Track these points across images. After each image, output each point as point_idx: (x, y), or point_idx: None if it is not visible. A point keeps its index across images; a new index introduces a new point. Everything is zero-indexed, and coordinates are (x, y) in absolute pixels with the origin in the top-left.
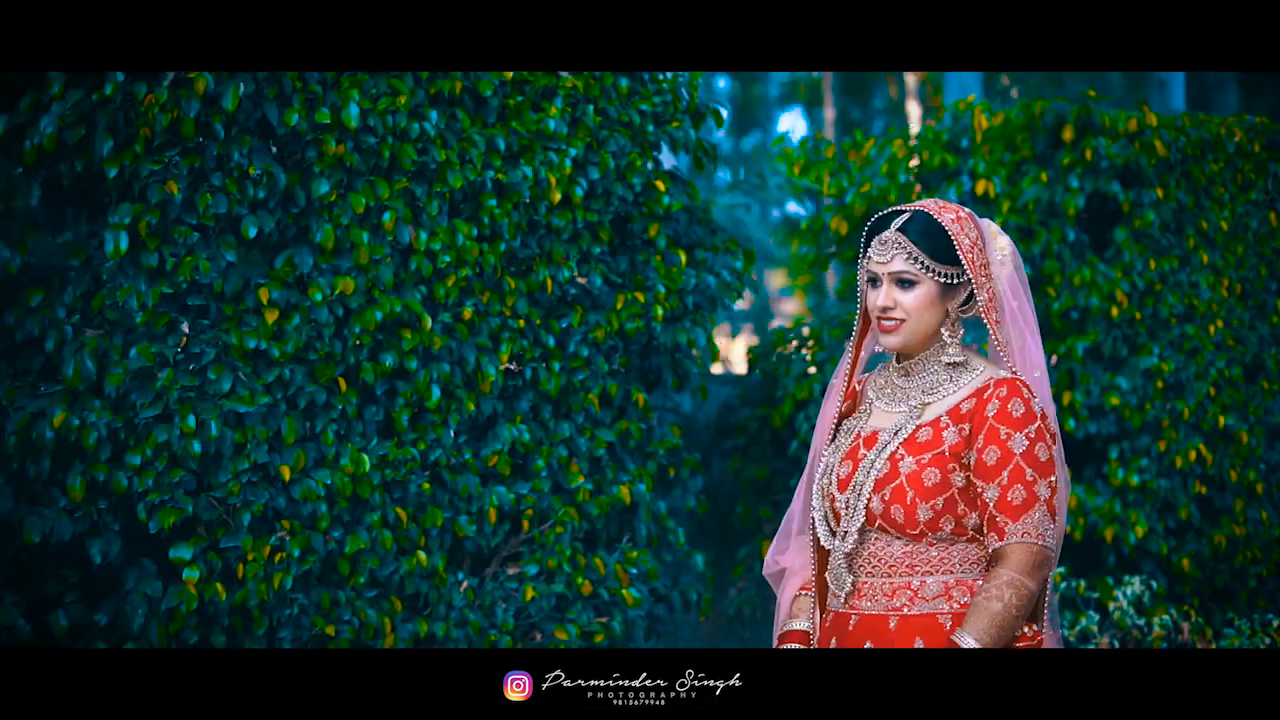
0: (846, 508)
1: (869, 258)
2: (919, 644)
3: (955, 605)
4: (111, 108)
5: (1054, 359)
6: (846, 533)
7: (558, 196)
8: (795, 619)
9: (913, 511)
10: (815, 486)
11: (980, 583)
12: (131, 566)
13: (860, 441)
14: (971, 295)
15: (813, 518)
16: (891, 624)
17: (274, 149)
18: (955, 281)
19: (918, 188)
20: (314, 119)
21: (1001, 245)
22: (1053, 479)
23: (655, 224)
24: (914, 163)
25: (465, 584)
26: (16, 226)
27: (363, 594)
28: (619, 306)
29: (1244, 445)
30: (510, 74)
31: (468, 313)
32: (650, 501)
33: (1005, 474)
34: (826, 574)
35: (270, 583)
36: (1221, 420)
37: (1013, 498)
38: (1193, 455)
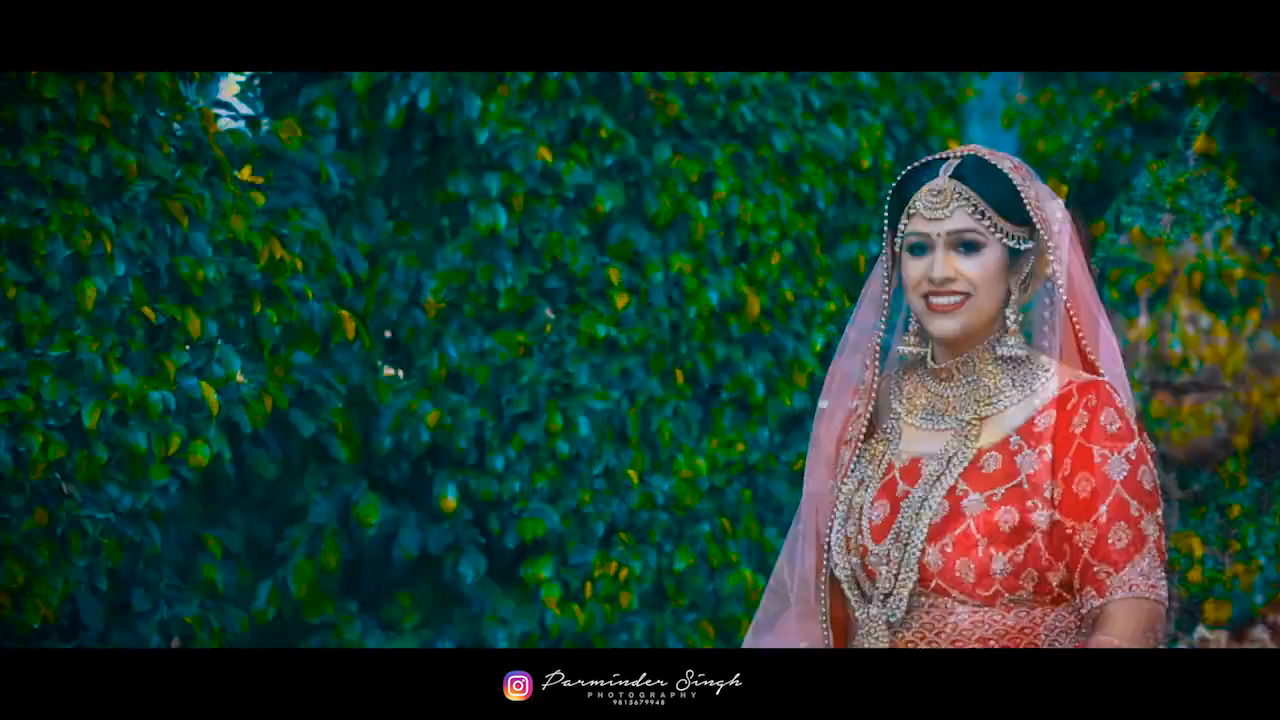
0: (889, 562)
1: (914, 215)
2: None
3: None
4: None
5: None
6: (890, 594)
7: (867, 162)
8: None
9: (986, 566)
10: (835, 536)
11: None
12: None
13: (896, 473)
14: (1032, 270)
15: (828, 579)
16: None
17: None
18: (1022, 248)
19: None
20: (656, 75)
21: (1055, 208)
22: (1159, 512)
23: None
24: None
25: None
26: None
27: (682, 618)
28: None
29: None
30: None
31: (789, 294)
32: None
33: (1104, 509)
34: None
35: (617, 602)
36: None
37: (1114, 540)
38: None
